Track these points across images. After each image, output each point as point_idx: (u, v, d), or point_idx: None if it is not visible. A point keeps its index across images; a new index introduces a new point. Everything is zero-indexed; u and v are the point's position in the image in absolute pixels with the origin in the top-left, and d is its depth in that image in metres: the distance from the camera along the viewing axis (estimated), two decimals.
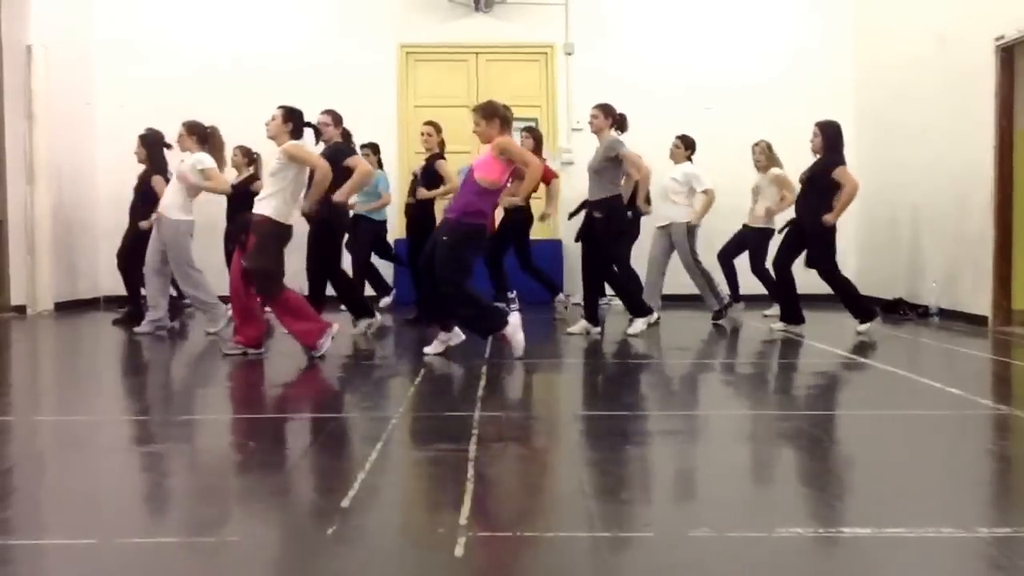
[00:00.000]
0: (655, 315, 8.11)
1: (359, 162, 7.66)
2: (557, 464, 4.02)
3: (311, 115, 7.38)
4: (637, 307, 8.06)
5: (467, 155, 10.58)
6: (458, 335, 6.77)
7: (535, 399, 5.62)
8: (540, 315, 9.35)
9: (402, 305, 10.08)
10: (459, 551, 2.72)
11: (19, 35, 9.87)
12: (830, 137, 8.13)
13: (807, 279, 8.55)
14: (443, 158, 9.05)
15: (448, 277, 6.47)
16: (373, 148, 9.93)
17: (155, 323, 8.12)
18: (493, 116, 6.60)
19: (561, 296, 9.51)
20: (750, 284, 9.81)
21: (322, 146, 7.70)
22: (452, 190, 8.93)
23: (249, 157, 9.86)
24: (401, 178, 10.75)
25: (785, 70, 11.47)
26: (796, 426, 4.63)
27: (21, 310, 9.92)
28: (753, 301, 9.86)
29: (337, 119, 8.00)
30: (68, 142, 10.58)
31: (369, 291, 9.80)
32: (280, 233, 6.58)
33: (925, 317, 9.32)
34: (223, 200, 9.67)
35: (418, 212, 9.03)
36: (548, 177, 9.25)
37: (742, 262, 9.72)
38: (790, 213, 8.90)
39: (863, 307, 8.22)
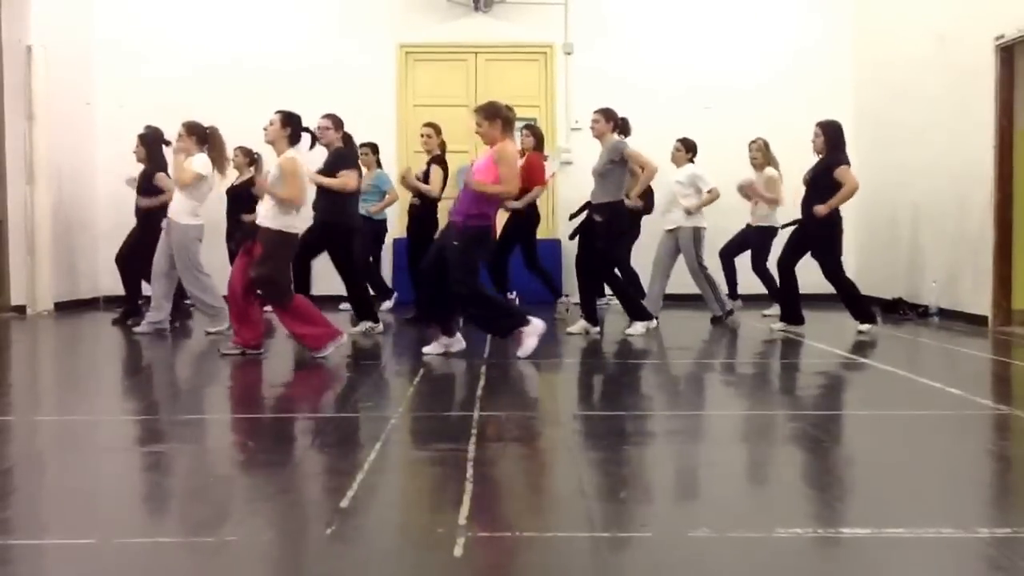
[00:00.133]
0: (654, 322, 8.09)
1: (346, 180, 7.66)
2: (556, 464, 4.02)
3: (311, 115, 7.39)
4: (637, 311, 8.05)
5: (466, 155, 10.60)
6: (460, 341, 6.76)
7: (535, 399, 5.62)
8: (540, 315, 9.29)
9: (402, 305, 10.06)
10: (458, 551, 2.72)
11: (19, 35, 9.86)
12: (832, 136, 8.12)
13: (808, 279, 8.53)
14: (443, 161, 9.04)
15: (461, 280, 6.48)
16: (372, 148, 9.93)
17: (155, 324, 8.12)
18: (495, 117, 6.59)
19: (563, 299, 9.51)
20: (749, 284, 9.82)
21: (320, 150, 7.71)
22: (433, 196, 8.95)
23: (250, 158, 9.85)
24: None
25: (785, 70, 11.46)
26: (796, 426, 4.63)
27: (21, 310, 9.92)
28: (752, 301, 9.85)
29: (338, 123, 7.99)
30: (68, 142, 10.57)
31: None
32: (287, 243, 6.59)
33: (925, 317, 9.32)
34: (223, 200, 9.69)
35: (422, 212, 9.04)
36: (539, 180, 9.25)
37: (743, 261, 9.72)
38: (788, 211, 8.92)
39: (864, 309, 8.22)
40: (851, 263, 10.35)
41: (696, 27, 11.60)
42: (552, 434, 4.55)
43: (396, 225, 10.80)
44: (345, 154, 7.99)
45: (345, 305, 9.14)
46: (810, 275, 8.50)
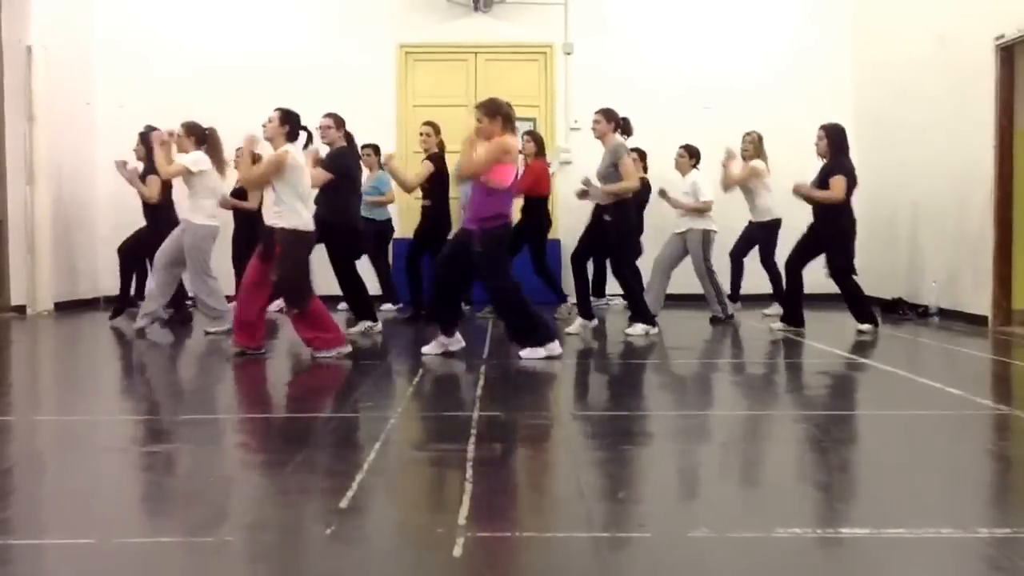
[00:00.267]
0: (655, 328, 8.09)
1: (317, 176, 7.63)
2: (556, 464, 4.03)
3: (311, 115, 7.38)
4: (641, 313, 8.05)
5: None
6: (459, 341, 6.76)
7: (534, 399, 5.62)
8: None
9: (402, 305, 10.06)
10: (457, 551, 2.72)
11: (19, 35, 9.86)
12: (835, 140, 8.13)
13: (809, 279, 8.52)
14: (439, 159, 9.05)
15: (499, 285, 6.52)
16: (374, 149, 9.93)
17: (151, 315, 8.14)
18: (496, 114, 6.57)
19: (566, 305, 9.51)
20: (750, 284, 9.81)
21: (321, 148, 7.72)
22: (407, 187, 8.95)
23: (253, 159, 9.85)
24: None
25: (785, 70, 11.46)
26: (795, 426, 4.63)
27: (21, 310, 9.92)
28: (753, 301, 9.85)
29: (339, 122, 8.00)
30: (68, 142, 10.57)
31: (374, 291, 9.79)
32: (302, 241, 6.59)
33: (925, 317, 9.32)
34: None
35: (432, 212, 9.07)
36: (545, 188, 9.28)
37: (750, 260, 9.69)
38: (786, 210, 8.93)
39: (865, 310, 8.22)
40: None
41: (696, 27, 11.59)
42: (552, 434, 4.55)
43: (400, 224, 10.79)
44: (344, 154, 7.98)
45: (343, 305, 9.15)
46: (811, 275, 8.49)
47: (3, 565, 2.70)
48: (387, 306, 10.01)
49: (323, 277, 8.57)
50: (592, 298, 10.48)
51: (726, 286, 9.36)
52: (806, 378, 6.41)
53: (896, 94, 10.35)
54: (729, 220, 9.71)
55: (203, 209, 7.97)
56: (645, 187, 9.55)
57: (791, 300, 8.47)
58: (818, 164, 8.29)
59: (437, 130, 9.13)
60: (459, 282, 6.75)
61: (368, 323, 8.11)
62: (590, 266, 8.83)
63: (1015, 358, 6.97)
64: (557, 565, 2.71)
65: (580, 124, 10.85)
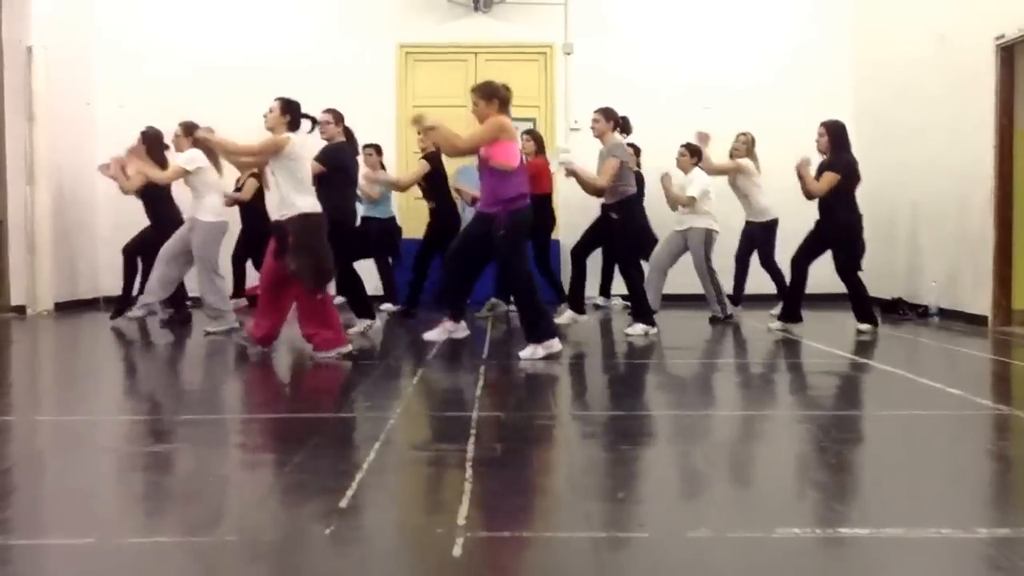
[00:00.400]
0: (655, 328, 8.10)
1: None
2: (556, 464, 4.02)
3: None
4: (644, 313, 8.05)
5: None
6: (464, 329, 6.78)
7: (533, 399, 5.62)
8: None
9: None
10: (457, 551, 2.72)
11: (19, 35, 9.86)
12: (836, 136, 8.15)
13: (810, 280, 8.53)
14: (436, 158, 9.06)
15: (518, 268, 6.51)
16: (376, 148, 9.94)
17: (147, 307, 8.15)
18: (492, 96, 6.57)
19: (564, 306, 9.51)
20: (752, 284, 9.80)
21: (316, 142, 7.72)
22: (399, 185, 8.99)
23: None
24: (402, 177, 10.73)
25: (785, 70, 11.47)
26: (795, 426, 4.63)
27: (21, 310, 9.92)
28: (753, 301, 9.84)
29: (338, 117, 8.00)
30: (68, 142, 10.57)
31: (376, 291, 9.80)
32: (314, 224, 6.54)
33: (925, 317, 9.32)
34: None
35: (439, 212, 9.08)
36: (546, 186, 9.31)
37: (753, 261, 9.69)
38: (785, 209, 8.93)
39: (867, 311, 8.22)
40: None
41: (696, 27, 11.60)
42: (552, 434, 4.55)
43: (404, 224, 10.79)
44: (341, 148, 7.94)
45: (339, 299, 9.15)
46: (812, 275, 8.49)
47: (3, 565, 2.69)
48: (387, 306, 10.01)
49: None
50: (600, 298, 10.53)
51: (727, 286, 9.36)
52: (806, 378, 6.41)
53: (896, 94, 10.36)
54: (728, 220, 9.72)
55: (209, 206, 7.98)
56: (640, 183, 9.55)
57: (791, 296, 8.48)
58: (817, 162, 8.30)
59: None
60: (473, 268, 6.76)
61: (367, 322, 8.11)
62: (593, 266, 8.83)
63: (1015, 358, 6.97)
64: (557, 565, 2.71)
65: (580, 124, 10.85)
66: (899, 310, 9.70)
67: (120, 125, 10.56)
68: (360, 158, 9.33)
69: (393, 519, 3.23)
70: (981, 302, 8.59)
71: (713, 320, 8.97)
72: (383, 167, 9.92)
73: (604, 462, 3.88)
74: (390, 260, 10.16)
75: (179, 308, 8.87)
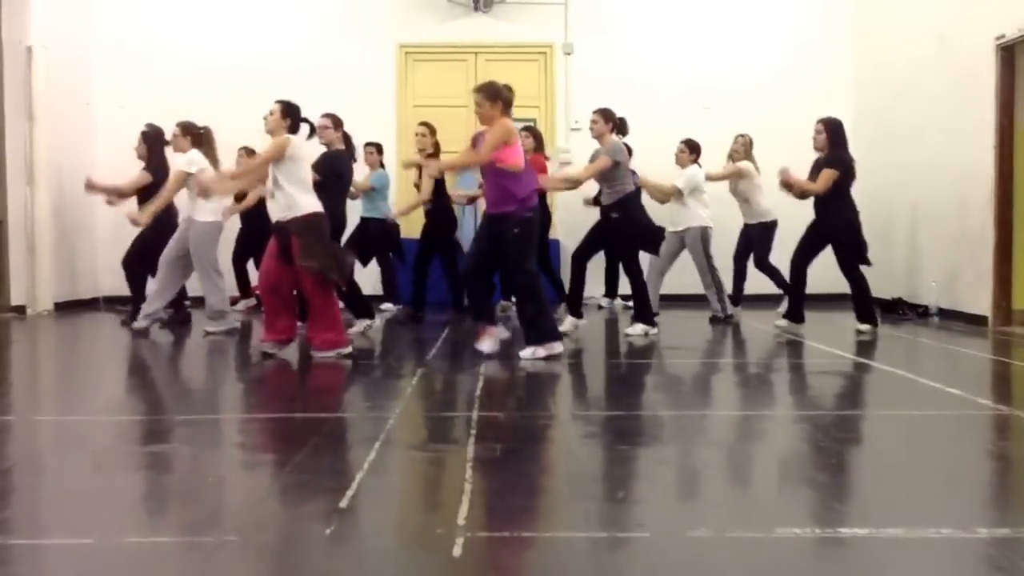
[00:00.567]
0: (655, 328, 8.10)
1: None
2: (555, 464, 4.02)
3: (311, 116, 7.37)
4: (644, 314, 8.05)
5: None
6: (504, 330, 6.78)
7: (534, 399, 5.62)
8: None
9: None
10: (457, 551, 2.72)
11: (19, 35, 9.86)
12: (834, 134, 8.16)
13: (810, 280, 8.53)
14: (435, 159, 9.05)
15: (526, 267, 6.52)
16: (377, 148, 9.93)
17: (151, 316, 8.14)
18: (496, 98, 6.56)
19: (564, 312, 9.51)
20: (752, 285, 9.80)
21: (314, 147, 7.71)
22: (418, 204, 9.05)
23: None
24: (401, 177, 10.74)
25: (784, 69, 11.47)
26: (796, 426, 4.63)
27: (21, 310, 9.92)
28: (754, 301, 9.84)
29: (337, 122, 7.98)
30: (68, 142, 10.58)
31: (375, 291, 9.80)
32: (317, 223, 6.56)
33: (925, 317, 9.32)
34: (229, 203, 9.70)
35: (435, 213, 9.07)
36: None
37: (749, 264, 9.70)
38: (783, 211, 8.93)
39: (868, 311, 8.23)
40: None
41: (696, 27, 11.60)
42: (551, 434, 4.55)
43: (403, 225, 10.79)
44: (339, 156, 7.93)
45: (340, 305, 9.16)
46: (812, 275, 8.49)
47: (3, 565, 2.69)
48: (387, 306, 10.01)
49: None
50: (605, 299, 10.54)
51: (727, 286, 9.36)
52: (806, 378, 6.41)
53: (896, 94, 10.36)
54: (727, 220, 9.73)
55: (206, 207, 7.98)
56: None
57: (794, 297, 8.49)
58: (797, 165, 8.33)
59: (433, 130, 9.14)
60: (490, 272, 6.77)
61: (367, 321, 8.11)
62: (594, 267, 8.82)
63: (1015, 358, 6.97)
64: (557, 565, 2.71)
65: (580, 124, 10.84)
66: (899, 310, 9.70)
67: (120, 125, 10.58)
68: (361, 158, 9.35)
69: (393, 519, 3.23)
70: (981, 302, 8.59)
71: (713, 320, 8.97)
72: (383, 166, 9.92)
73: (604, 462, 3.88)
74: (391, 258, 10.15)
75: (178, 308, 8.87)
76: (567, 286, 9.19)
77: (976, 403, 5.07)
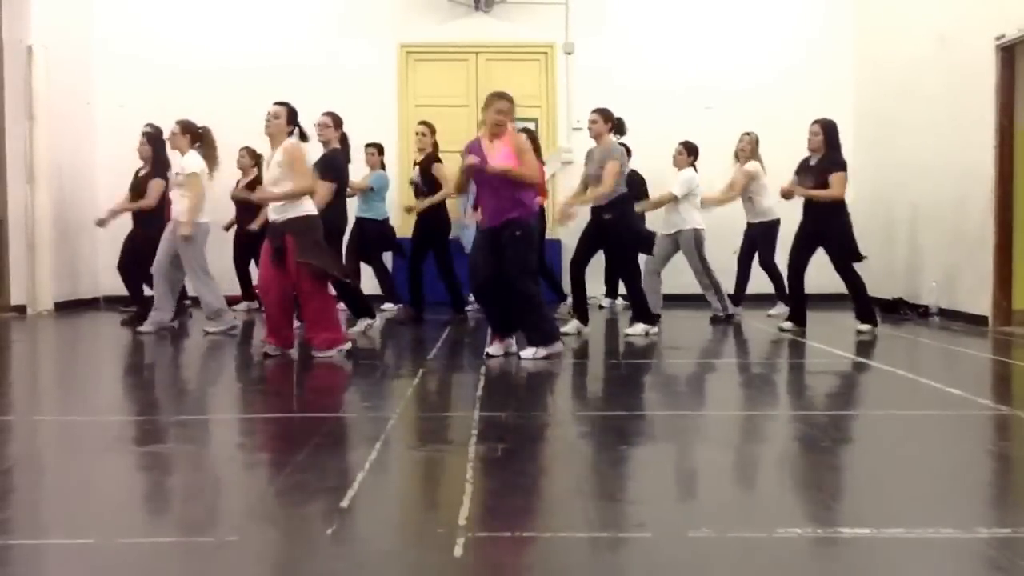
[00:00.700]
0: (655, 328, 8.10)
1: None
2: (556, 464, 4.02)
3: (311, 116, 7.39)
4: (643, 313, 8.04)
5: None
6: (514, 344, 6.76)
7: (534, 399, 5.62)
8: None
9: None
10: (458, 551, 2.72)
11: (19, 35, 9.86)
12: (831, 136, 8.17)
13: (809, 280, 8.52)
14: (438, 160, 9.06)
15: (526, 272, 6.52)
16: (378, 148, 9.93)
17: (159, 324, 8.14)
18: (513, 111, 6.63)
19: (565, 304, 9.51)
20: (752, 285, 9.80)
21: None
22: (449, 195, 8.99)
23: (255, 158, 9.87)
24: (402, 177, 10.74)
25: (785, 69, 11.47)
26: (796, 426, 4.63)
27: (21, 310, 9.92)
28: (754, 301, 9.84)
29: (338, 121, 7.97)
30: (68, 142, 10.58)
31: (374, 291, 9.80)
32: (314, 225, 6.61)
33: (925, 317, 9.32)
34: (228, 202, 9.70)
35: (431, 212, 9.07)
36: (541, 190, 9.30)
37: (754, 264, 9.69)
38: (784, 211, 8.94)
39: (867, 310, 8.23)
40: None
41: (697, 27, 11.60)
42: (552, 434, 4.55)
43: (399, 225, 10.80)
44: (337, 158, 7.92)
45: (340, 305, 9.16)
46: (812, 276, 8.49)
47: (3, 565, 2.69)
48: (388, 306, 10.01)
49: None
50: (606, 299, 10.54)
51: (728, 286, 9.35)
52: (807, 378, 6.41)
53: (897, 94, 10.36)
54: (729, 221, 9.73)
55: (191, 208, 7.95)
56: (634, 183, 9.55)
57: (795, 300, 8.48)
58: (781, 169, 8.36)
59: (433, 130, 9.15)
60: (502, 289, 6.70)
61: (367, 321, 8.11)
62: (596, 268, 8.82)
63: (1015, 358, 6.97)
64: (557, 565, 2.71)
65: (581, 124, 10.83)
66: (899, 310, 9.70)
67: (120, 125, 10.58)
68: (362, 158, 9.36)
69: (394, 519, 3.23)
70: (981, 302, 8.59)
71: (714, 319, 8.97)
72: (383, 166, 9.92)
73: (605, 462, 3.88)
74: (390, 256, 10.16)
75: (176, 307, 8.85)
76: (566, 291, 9.20)
77: (976, 403, 5.07)
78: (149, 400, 5.70)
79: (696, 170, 9.08)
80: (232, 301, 9.33)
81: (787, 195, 8.31)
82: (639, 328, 7.96)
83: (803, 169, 8.29)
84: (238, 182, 9.89)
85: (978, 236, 8.63)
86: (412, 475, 3.84)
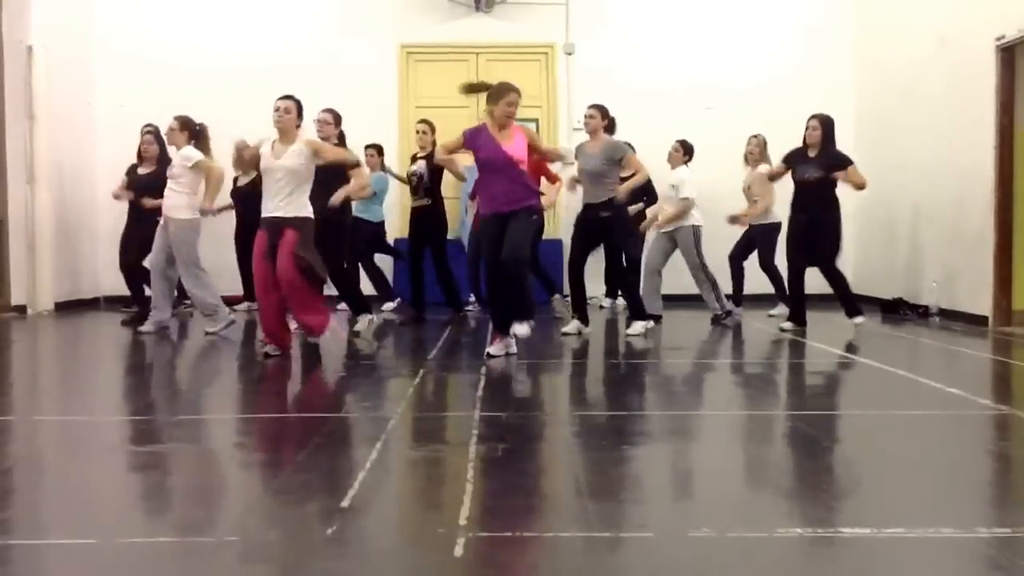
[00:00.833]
0: (652, 322, 8.09)
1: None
2: (556, 464, 4.02)
3: (310, 115, 7.39)
4: (639, 312, 8.04)
5: (467, 155, 10.59)
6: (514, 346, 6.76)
7: (534, 399, 5.62)
8: (539, 315, 9.32)
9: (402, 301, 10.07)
10: (459, 551, 2.72)
11: (19, 35, 9.86)
12: (829, 132, 8.26)
13: (810, 280, 8.53)
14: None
15: (526, 258, 6.58)
16: (378, 149, 9.93)
17: (159, 323, 8.13)
18: (519, 103, 6.76)
19: (558, 296, 9.51)
20: (752, 284, 9.80)
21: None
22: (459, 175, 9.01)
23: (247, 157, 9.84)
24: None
25: (786, 70, 11.46)
26: (796, 426, 4.63)
27: (21, 310, 9.92)
28: (754, 301, 9.84)
29: (338, 119, 7.99)
30: (68, 142, 10.58)
31: (372, 292, 9.79)
32: (312, 228, 6.76)
33: (925, 317, 9.32)
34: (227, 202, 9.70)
35: (432, 209, 9.06)
36: (552, 178, 9.34)
37: (750, 264, 9.67)
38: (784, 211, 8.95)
39: (854, 304, 8.41)
40: (850, 263, 10.38)
41: (697, 27, 11.60)
42: (552, 434, 4.55)
43: (396, 225, 10.80)
44: None
45: (341, 305, 9.17)
46: (812, 276, 8.50)
47: (3, 565, 2.69)
48: (387, 306, 10.02)
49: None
50: (607, 299, 10.54)
51: (725, 286, 9.34)
52: (807, 378, 6.41)
53: (897, 94, 10.36)
54: (726, 221, 9.72)
55: (185, 204, 7.96)
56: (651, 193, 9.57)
57: (796, 300, 8.49)
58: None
59: (433, 128, 9.16)
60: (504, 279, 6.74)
61: (368, 317, 8.12)
62: (596, 268, 8.82)
63: (1015, 358, 6.97)
64: (557, 565, 2.71)
65: (582, 124, 10.84)
66: (900, 310, 9.70)
67: (120, 125, 10.58)
68: (362, 159, 9.34)
69: (395, 519, 3.24)
70: (981, 302, 8.59)
71: (715, 319, 8.95)
72: (383, 168, 9.91)
73: (605, 462, 3.88)
74: (374, 260, 10.17)
75: (175, 308, 8.86)
76: (566, 293, 9.20)
77: (976, 403, 5.07)
78: (149, 400, 5.70)
79: (688, 168, 9.08)
80: (233, 301, 9.33)
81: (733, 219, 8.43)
82: (638, 327, 7.95)
83: (801, 160, 8.28)
84: (235, 180, 9.87)
85: (978, 236, 8.63)
86: (412, 475, 3.84)
